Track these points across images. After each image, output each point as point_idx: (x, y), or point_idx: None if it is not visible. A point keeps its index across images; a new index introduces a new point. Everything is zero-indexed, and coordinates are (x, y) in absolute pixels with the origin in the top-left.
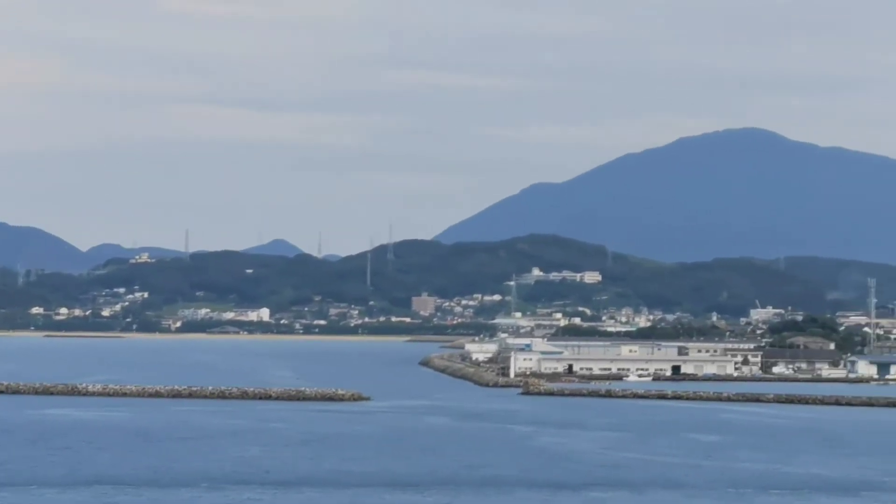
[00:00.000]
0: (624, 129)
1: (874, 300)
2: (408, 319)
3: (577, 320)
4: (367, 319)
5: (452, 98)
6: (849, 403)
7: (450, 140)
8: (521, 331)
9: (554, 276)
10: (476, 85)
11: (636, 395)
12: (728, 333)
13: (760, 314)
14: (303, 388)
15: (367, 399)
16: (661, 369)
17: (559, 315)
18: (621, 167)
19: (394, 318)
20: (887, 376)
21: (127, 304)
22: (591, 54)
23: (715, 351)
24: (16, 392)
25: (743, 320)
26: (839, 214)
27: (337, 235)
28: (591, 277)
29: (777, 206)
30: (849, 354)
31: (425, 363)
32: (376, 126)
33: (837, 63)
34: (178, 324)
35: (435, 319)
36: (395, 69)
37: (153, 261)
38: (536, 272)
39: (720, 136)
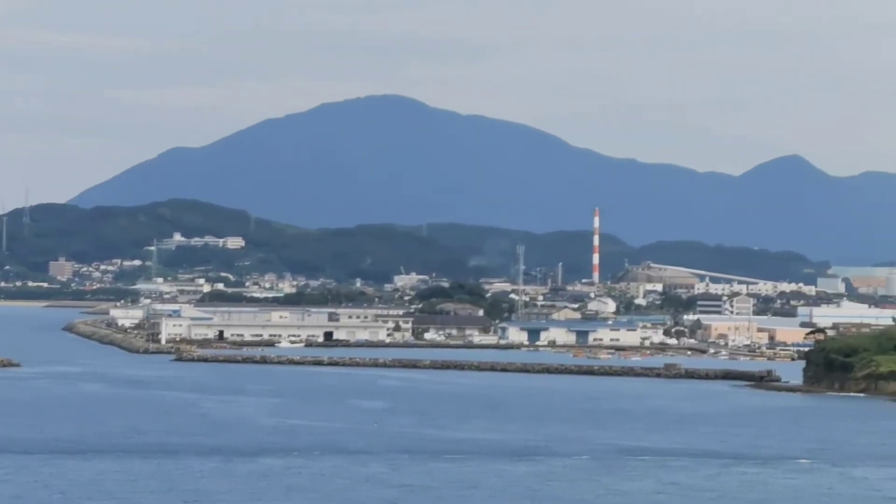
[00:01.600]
0: (264, 94)
1: (522, 267)
2: (45, 285)
3: (220, 286)
4: (3, 284)
5: (83, 59)
6: (504, 369)
7: (82, 102)
8: (165, 296)
9: (196, 241)
10: (109, 46)
11: (292, 362)
12: (377, 300)
13: (404, 280)
14: None
15: (18, 365)
16: (313, 335)
17: (202, 280)
18: (262, 132)
19: (31, 283)
20: (537, 342)
21: None
22: (231, 17)
23: (366, 317)
24: None
25: (388, 286)
26: (481, 182)
27: None
28: (234, 243)
29: (419, 172)
30: (498, 321)
31: (69, 329)
32: (4, 87)
33: (474, 29)
34: None
35: (73, 285)
36: (24, 29)
37: None
38: (178, 237)
39: (362, 102)
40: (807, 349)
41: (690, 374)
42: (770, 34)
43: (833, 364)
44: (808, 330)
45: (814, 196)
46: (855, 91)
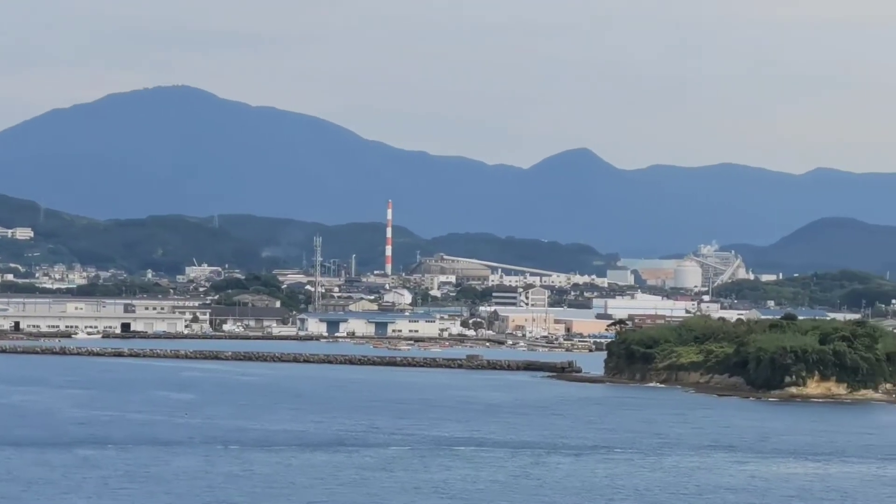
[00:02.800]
0: (51, 83)
1: (320, 259)
2: None
3: (10, 277)
4: None
5: None
6: (307, 360)
7: None
8: None
9: None
10: None
11: (92, 353)
12: (172, 291)
13: (196, 271)
14: None
15: None
16: (109, 327)
17: None
18: (50, 122)
19: None
20: (336, 333)
21: None
22: (14, 2)
23: (163, 308)
24: None
25: (180, 278)
26: (273, 173)
27: None
28: (23, 233)
29: (210, 164)
30: (296, 312)
31: None
32: None
33: (265, 21)
34: None
35: None
36: None
37: None
38: None
39: (150, 93)
40: (605, 340)
41: (493, 366)
42: (552, 28)
43: (634, 355)
44: (605, 322)
45: (602, 189)
46: (642, 86)
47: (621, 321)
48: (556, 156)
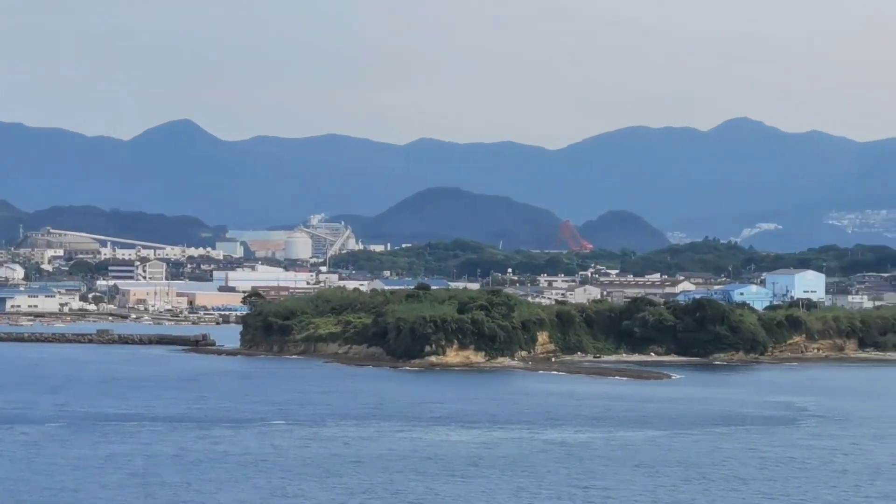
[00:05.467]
0: None
1: None
2: None
3: None
4: None
5: None
6: None
7: None
8: None
9: None
10: None
11: None
12: None
13: None
14: None
15: None
16: None
17: None
18: None
19: None
20: None
21: None
22: None
23: None
24: None
25: None
26: None
27: None
28: None
29: None
30: None
31: None
32: None
33: None
34: None
35: None
36: None
37: None
38: None
39: None
40: (231, 313)
41: (125, 340)
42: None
43: (272, 327)
44: (229, 294)
45: (206, 160)
46: (239, 59)
47: (257, 293)
48: (157, 127)
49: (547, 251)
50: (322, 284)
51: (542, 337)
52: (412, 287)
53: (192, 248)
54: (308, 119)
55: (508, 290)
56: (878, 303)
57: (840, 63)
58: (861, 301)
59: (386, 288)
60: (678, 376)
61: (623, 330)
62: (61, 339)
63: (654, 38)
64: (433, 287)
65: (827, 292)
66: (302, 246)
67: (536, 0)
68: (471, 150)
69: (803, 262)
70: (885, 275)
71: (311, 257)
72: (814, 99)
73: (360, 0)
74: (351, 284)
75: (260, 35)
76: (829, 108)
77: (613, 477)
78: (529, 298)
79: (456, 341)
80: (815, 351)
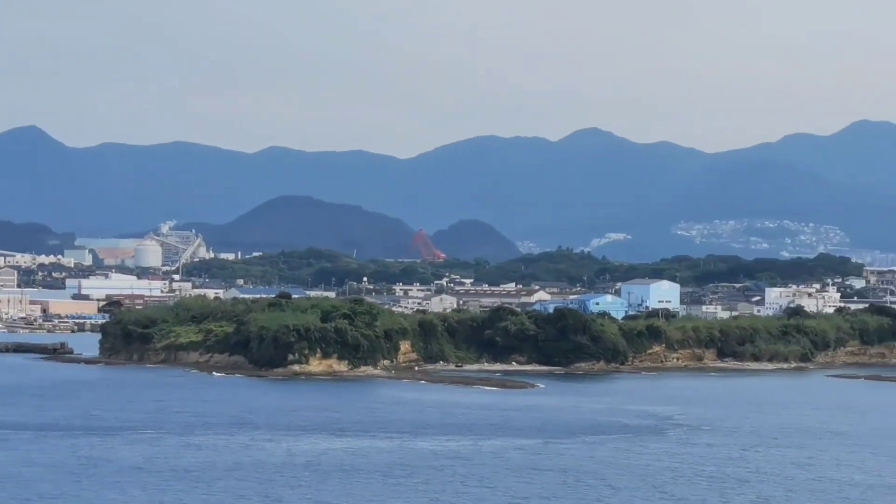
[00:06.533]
0: None
1: None
2: None
3: None
4: None
5: None
6: None
7: None
8: None
9: None
10: None
11: None
12: None
13: None
14: None
15: None
16: None
17: None
18: None
19: None
20: None
21: None
22: None
23: None
24: None
25: None
26: None
27: None
28: None
29: None
30: None
31: None
32: None
33: None
34: None
35: None
36: None
37: None
38: None
39: None
40: (86, 321)
41: None
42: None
43: (132, 335)
44: (83, 302)
45: (53, 167)
46: (89, 62)
47: (117, 302)
48: (2, 133)
49: (401, 260)
50: (176, 293)
51: (405, 346)
52: (270, 296)
53: (42, 256)
54: (156, 126)
55: (365, 299)
56: (732, 313)
57: (689, 74)
58: (715, 311)
59: (243, 296)
60: (542, 385)
61: (485, 339)
62: None
63: (504, 46)
64: (294, 296)
65: (681, 302)
66: (153, 254)
67: (383, 8)
68: (321, 159)
69: (657, 272)
70: (738, 285)
71: (162, 265)
72: (663, 110)
73: (209, 7)
74: (204, 293)
75: (109, 40)
76: (679, 120)
77: (489, 482)
78: (386, 307)
79: (319, 350)
80: (675, 360)
